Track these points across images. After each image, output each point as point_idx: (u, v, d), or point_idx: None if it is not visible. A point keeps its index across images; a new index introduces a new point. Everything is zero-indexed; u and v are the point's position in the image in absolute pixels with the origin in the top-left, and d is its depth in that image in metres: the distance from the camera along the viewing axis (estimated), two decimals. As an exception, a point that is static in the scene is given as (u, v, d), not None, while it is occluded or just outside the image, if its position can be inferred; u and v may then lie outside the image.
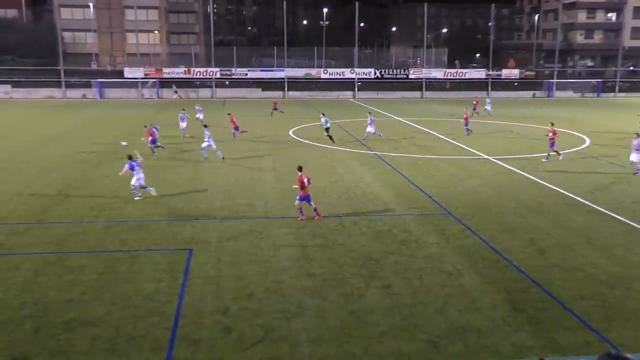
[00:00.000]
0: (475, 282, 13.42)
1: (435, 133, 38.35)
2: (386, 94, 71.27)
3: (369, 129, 34.38)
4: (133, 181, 20.51)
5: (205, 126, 29.13)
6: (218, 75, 68.11)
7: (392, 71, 73.56)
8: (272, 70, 69.92)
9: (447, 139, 35.79)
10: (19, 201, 20.28)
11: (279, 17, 72.32)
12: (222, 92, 68.30)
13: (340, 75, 70.83)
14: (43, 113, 50.61)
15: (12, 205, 19.70)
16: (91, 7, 75.30)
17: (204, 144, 28.07)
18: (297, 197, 18.07)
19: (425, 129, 40.53)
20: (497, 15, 77.57)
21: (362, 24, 72.44)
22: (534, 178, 24.59)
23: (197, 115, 41.12)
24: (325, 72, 70.44)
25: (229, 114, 36.45)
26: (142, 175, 20.49)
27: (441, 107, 55.87)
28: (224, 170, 25.68)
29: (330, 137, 32.83)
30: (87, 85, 66.54)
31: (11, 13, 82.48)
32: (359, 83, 71.18)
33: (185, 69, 68.38)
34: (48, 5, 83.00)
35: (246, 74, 68.58)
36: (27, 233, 16.84)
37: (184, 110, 37.25)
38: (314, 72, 70.25)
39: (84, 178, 24.15)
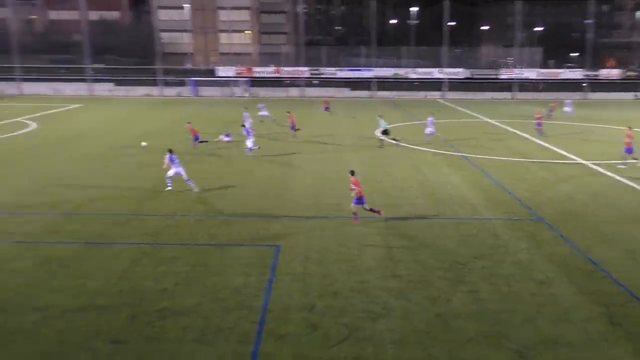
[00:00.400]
0: (568, 292, 12.89)
1: (525, 135, 37.11)
2: (475, 94, 69.61)
3: (429, 129, 33.70)
4: (170, 173, 21.56)
5: (243, 126, 30.35)
6: (307, 75, 68.93)
7: (483, 71, 71.83)
8: (360, 70, 69.99)
9: (538, 141, 34.54)
10: (119, 193, 21.40)
11: (367, 16, 72.19)
12: (311, 92, 69.06)
13: (428, 75, 69.93)
14: (142, 110, 53.09)
15: (112, 198, 20.83)
16: (187, 8, 78.21)
17: (247, 142, 28.87)
18: (353, 202, 17.73)
19: (516, 131, 39.29)
20: (595, 12, 73.81)
21: (451, 23, 71.05)
22: (634, 185, 23.30)
23: (260, 113, 41.91)
24: (414, 72, 69.75)
25: (289, 112, 36.97)
26: (180, 169, 21.47)
27: (533, 108, 53.80)
28: (310, 169, 25.98)
29: (382, 140, 32.21)
30: (182, 83, 69.16)
31: (114, 15, 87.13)
32: (448, 83, 69.97)
33: (275, 68, 69.66)
34: (147, 7, 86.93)
35: (335, 74, 69.02)
36: (125, 224, 17.76)
37: (246, 109, 38.14)
38: (402, 71, 69.74)
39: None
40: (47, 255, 14.86)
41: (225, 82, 68.31)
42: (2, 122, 41.64)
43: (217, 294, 12.62)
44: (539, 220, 18.37)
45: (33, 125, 40.52)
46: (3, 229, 17.00)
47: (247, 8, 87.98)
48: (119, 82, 69.39)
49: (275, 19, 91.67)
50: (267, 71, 69.55)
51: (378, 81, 69.32)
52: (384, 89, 69.76)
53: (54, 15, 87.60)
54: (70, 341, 10.63)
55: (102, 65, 70.38)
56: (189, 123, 31.67)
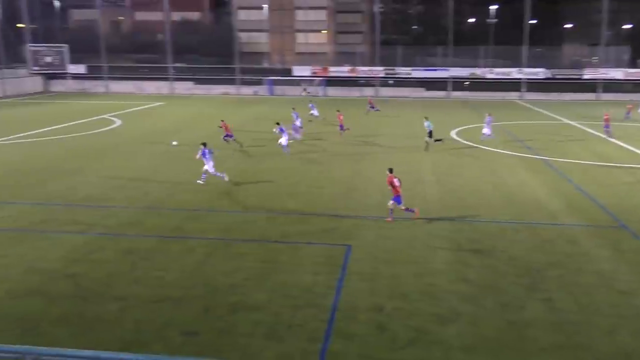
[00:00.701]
0: (651, 304, 12.26)
1: (610, 138, 35.45)
2: (556, 95, 67.12)
3: (486, 130, 33.06)
4: (205, 167, 22.63)
5: (278, 123, 30.58)
6: (382, 75, 68.60)
7: (564, 71, 69.14)
8: (435, 70, 68.98)
9: (623, 144, 32.94)
10: (195, 189, 22.08)
11: (445, 15, 70.94)
12: (385, 92, 68.71)
13: (506, 75, 68.01)
14: (219, 108, 54.41)
15: (189, 193, 21.51)
16: (265, 8, 79.55)
17: (282, 140, 29.30)
18: (392, 198, 17.93)
19: (599, 134, 37.61)
20: (691, 9, 69.50)
21: (532, 21, 68.72)
22: None
23: (311, 112, 42.36)
24: (491, 71, 68.05)
25: (338, 111, 36.93)
26: (212, 164, 22.49)
27: (619, 110, 51.39)
28: (381, 169, 25.83)
29: (435, 140, 31.08)
30: (259, 82, 70.38)
31: (196, 16, 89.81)
32: (526, 83, 67.82)
33: (350, 67, 69.70)
34: (227, 7, 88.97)
35: (409, 73, 68.33)
36: (201, 219, 18.30)
37: (294, 109, 38.47)
38: (479, 71, 68.14)
39: (251, 170, 25.65)
40: (128, 248, 15.54)
41: (301, 81, 68.93)
42: (90, 119, 43.81)
43: (287, 291, 12.80)
44: (622, 228, 17.54)
45: (117, 122, 42.39)
46: (88, 221, 17.91)
47: (324, 8, 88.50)
48: (198, 81, 71.49)
49: (352, 18, 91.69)
50: (342, 71, 69.68)
51: (454, 81, 68.10)
52: (460, 89, 68.44)
53: (139, 16, 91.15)
54: (146, 330, 11.08)
55: (182, 65, 72.70)
56: (222, 121, 32.38)
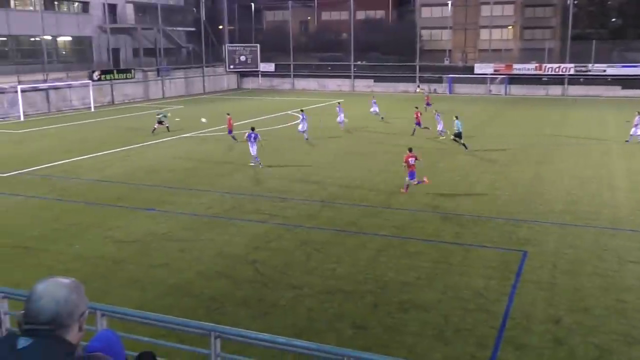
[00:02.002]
0: None
1: None
2: None
3: (634, 130, 30.70)
4: (252, 151, 25.45)
5: (302, 110, 33.24)
6: (572, 72, 64.05)
7: None
8: (636, 66, 62.75)
9: None
10: (372, 185, 22.47)
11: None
12: (574, 90, 64.09)
13: None
14: (396, 106, 54.64)
15: (365, 189, 21.93)
16: (449, 5, 78.22)
17: (299, 126, 32.89)
18: (408, 175, 20.55)
19: None
20: None
21: None
22: None
23: (371, 109, 41.77)
24: None
25: (416, 108, 36.07)
26: (255, 148, 25.25)
27: None
28: (568, 173, 24.23)
29: (457, 142, 29.16)
30: (439, 80, 69.42)
31: (379, 14, 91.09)
32: None
33: (537, 64, 66.03)
34: (411, 5, 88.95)
35: (604, 70, 62.91)
36: (376, 215, 18.59)
37: (339, 103, 38.50)
38: (690, 67, 60.70)
39: (429, 169, 25.39)
40: (304, 239, 16.28)
41: (482, 79, 66.82)
42: (276, 115, 46.50)
43: (458, 294, 12.55)
44: None
45: (300, 118, 44.40)
46: (269, 212, 19.07)
47: (511, 2, 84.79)
48: (377, 79, 72.42)
49: (541, 12, 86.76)
50: (528, 68, 66.21)
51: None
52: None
53: (325, 16, 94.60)
54: (319, 320, 11.53)
55: (364, 63, 74.16)
56: (228, 115, 33.15)
